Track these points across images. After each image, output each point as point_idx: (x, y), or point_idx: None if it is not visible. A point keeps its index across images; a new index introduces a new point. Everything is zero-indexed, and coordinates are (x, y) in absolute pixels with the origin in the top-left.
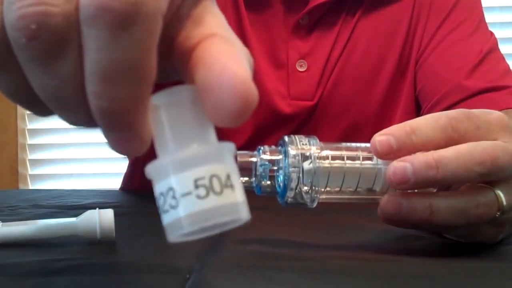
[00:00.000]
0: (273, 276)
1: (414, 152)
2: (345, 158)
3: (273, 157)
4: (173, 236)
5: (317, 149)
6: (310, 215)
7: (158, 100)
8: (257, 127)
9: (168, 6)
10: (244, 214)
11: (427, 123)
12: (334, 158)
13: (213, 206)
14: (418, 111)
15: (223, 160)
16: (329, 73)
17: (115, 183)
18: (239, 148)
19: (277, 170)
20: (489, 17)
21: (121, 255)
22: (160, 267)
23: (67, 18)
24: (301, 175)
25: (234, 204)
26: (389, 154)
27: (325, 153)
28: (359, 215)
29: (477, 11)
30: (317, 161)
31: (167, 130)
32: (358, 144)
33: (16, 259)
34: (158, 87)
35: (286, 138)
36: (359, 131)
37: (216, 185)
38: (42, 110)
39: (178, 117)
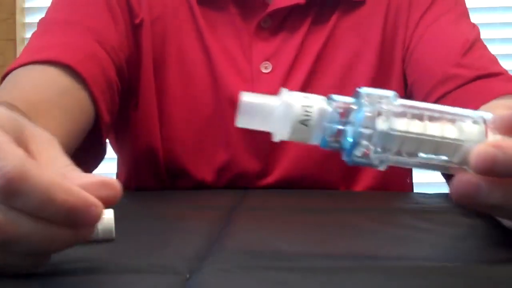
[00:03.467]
0: (273, 276)
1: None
2: (426, 127)
3: (346, 108)
4: None
5: (395, 109)
6: (310, 215)
7: None
8: (228, 138)
9: None
10: None
11: None
12: (412, 123)
13: None
14: None
15: None
16: (299, 75)
17: None
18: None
19: (346, 123)
20: (489, 17)
21: (121, 255)
22: (160, 267)
23: None
24: (373, 134)
25: None
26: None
27: (403, 116)
28: (359, 215)
29: (460, 5)
30: (393, 123)
31: None
32: (444, 108)
33: None
34: None
35: (361, 91)
36: None
37: None
38: None
39: None
